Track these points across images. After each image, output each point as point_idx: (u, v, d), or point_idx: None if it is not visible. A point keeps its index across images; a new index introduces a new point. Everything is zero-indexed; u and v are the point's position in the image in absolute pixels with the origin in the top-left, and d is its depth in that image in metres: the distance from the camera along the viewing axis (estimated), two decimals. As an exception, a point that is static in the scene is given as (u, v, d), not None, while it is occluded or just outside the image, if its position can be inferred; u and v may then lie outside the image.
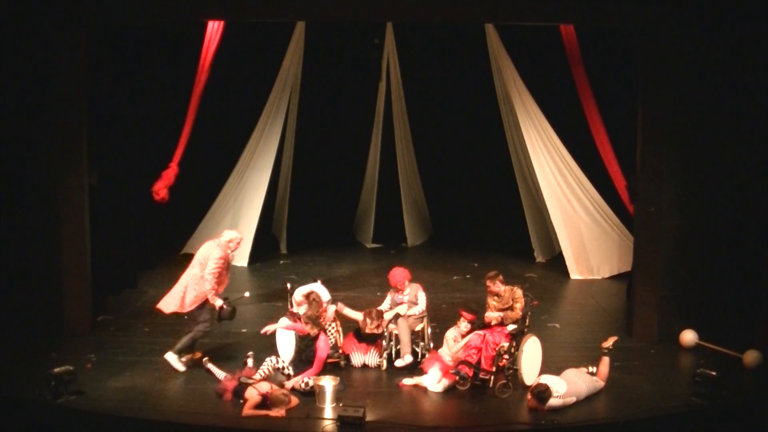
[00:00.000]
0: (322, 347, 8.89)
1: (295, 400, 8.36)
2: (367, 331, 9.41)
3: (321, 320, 9.23)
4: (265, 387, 8.27)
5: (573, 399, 8.27)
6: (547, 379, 8.32)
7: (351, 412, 7.82)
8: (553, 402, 8.10)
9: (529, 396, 8.21)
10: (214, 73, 11.85)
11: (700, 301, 10.19)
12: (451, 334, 9.10)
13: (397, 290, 9.71)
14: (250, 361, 8.93)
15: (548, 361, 9.05)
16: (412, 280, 9.82)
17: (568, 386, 8.29)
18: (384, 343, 9.49)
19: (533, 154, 13.19)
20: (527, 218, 14.36)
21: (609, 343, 8.96)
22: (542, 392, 8.08)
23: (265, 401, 8.14)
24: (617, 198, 11.86)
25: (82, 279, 10.36)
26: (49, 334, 10.04)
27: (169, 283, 12.76)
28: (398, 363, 9.32)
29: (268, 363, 8.81)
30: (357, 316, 9.68)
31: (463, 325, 9.00)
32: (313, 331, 8.92)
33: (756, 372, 9.22)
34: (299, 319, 9.51)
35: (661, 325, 10.19)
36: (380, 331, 9.44)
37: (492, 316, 9.03)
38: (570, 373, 8.56)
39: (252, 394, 8.16)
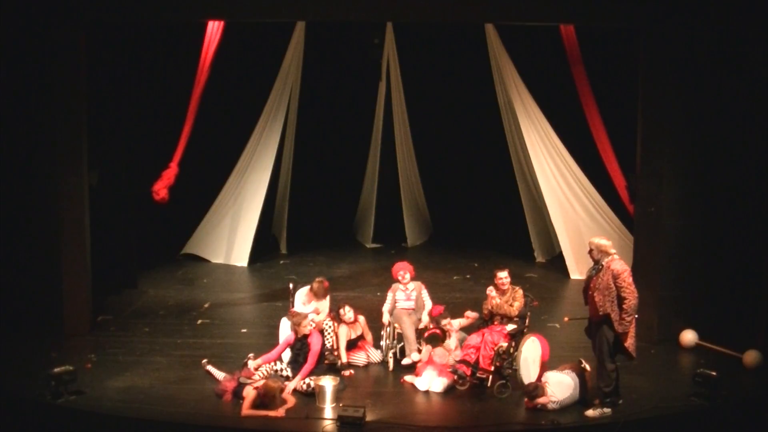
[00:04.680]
0: (316, 342, 8.91)
1: (292, 400, 8.36)
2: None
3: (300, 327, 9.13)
4: (263, 386, 8.29)
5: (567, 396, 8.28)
6: (554, 377, 8.32)
7: (351, 412, 7.82)
8: (551, 405, 8.13)
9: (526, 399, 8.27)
10: (214, 73, 11.85)
11: (700, 301, 10.18)
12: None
13: (401, 283, 9.70)
14: (250, 363, 8.92)
15: (548, 361, 9.03)
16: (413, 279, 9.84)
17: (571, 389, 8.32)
18: (389, 341, 9.52)
19: (533, 154, 13.17)
20: (527, 218, 14.34)
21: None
22: (532, 391, 8.15)
23: (260, 396, 8.14)
24: (617, 198, 11.85)
25: (82, 279, 10.36)
26: (49, 334, 10.05)
27: (169, 283, 12.94)
28: (405, 361, 9.35)
29: (266, 365, 8.82)
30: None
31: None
32: (306, 329, 8.93)
33: (756, 372, 9.21)
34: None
35: (661, 325, 10.18)
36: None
37: (492, 295, 9.14)
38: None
39: (248, 392, 8.18)
